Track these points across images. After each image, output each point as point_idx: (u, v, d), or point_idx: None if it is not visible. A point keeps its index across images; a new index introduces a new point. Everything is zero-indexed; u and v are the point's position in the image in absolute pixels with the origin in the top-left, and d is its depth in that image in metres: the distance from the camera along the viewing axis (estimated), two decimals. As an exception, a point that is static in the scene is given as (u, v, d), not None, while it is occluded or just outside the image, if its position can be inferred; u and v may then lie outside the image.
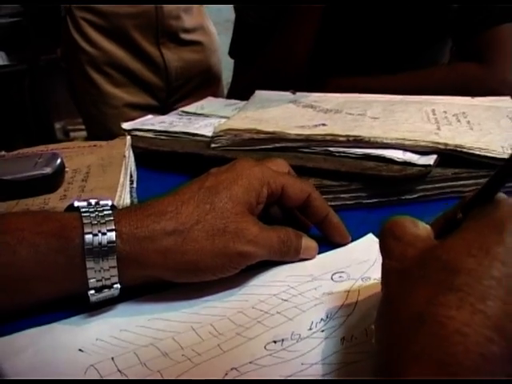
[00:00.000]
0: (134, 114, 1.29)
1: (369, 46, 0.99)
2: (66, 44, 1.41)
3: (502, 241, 0.26)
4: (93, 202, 0.39)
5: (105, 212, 0.37)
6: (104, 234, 0.36)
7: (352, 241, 0.48)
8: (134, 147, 0.68)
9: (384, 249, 0.32)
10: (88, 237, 0.35)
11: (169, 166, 0.67)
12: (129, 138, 0.69)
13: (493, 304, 0.24)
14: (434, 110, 0.71)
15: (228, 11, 1.39)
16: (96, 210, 0.37)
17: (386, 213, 0.47)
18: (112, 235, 0.36)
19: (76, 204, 0.38)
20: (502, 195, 0.30)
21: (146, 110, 1.33)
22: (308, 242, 0.45)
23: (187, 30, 1.44)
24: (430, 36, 0.99)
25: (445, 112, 0.71)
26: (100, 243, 0.35)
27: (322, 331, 0.36)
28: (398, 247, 0.31)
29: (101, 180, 0.57)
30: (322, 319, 0.37)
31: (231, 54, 1.12)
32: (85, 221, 0.36)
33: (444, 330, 0.24)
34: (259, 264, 0.43)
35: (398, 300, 0.28)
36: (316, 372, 0.32)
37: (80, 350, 0.35)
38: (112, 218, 0.36)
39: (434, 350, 0.23)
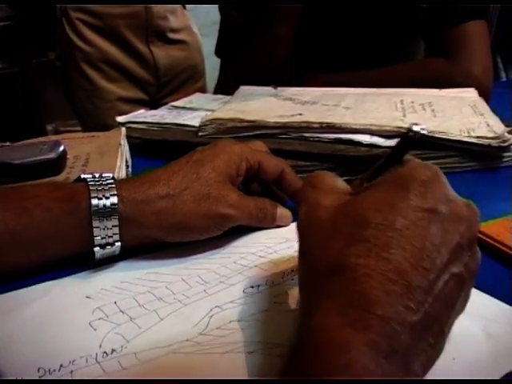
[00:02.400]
0: (126, 107, 1.39)
1: (345, 44, 1.05)
2: (61, 43, 1.49)
3: (406, 197, 0.29)
4: (96, 174, 0.45)
5: (108, 181, 0.44)
6: (107, 198, 0.42)
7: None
8: (128, 137, 0.75)
9: (301, 197, 0.34)
10: (94, 200, 0.42)
11: (160, 154, 0.74)
12: (124, 129, 0.75)
13: (395, 251, 0.27)
14: (402, 101, 0.78)
15: (215, 13, 1.47)
16: (100, 180, 0.44)
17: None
18: (114, 199, 0.42)
19: (83, 176, 0.45)
20: (409, 157, 0.33)
21: (137, 103, 1.43)
22: (283, 211, 0.51)
23: (174, 30, 1.53)
24: (402, 34, 1.06)
25: (412, 102, 0.78)
26: (104, 205, 0.42)
27: (292, 279, 0.43)
28: (314, 194, 0.33)
29: (99, 164, 0.64)
30: (292, 270, 0.44)
31: (217, 53, 1.19)
32: (91, 188, 0.43)
33: (353, 274, 0.27)
34: (240, 229, 0.49)
35: (313, 252, 0.31)
36: (285, 308, 0.39)
37: (87, 296, 0.42)
38: (114, 186, 0.43)
39: (345, 288, 0.27)
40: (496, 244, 0.45)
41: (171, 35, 1.53)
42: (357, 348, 0.24)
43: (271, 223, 0.51)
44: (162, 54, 1.51)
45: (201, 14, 2.24)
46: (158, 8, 1.47)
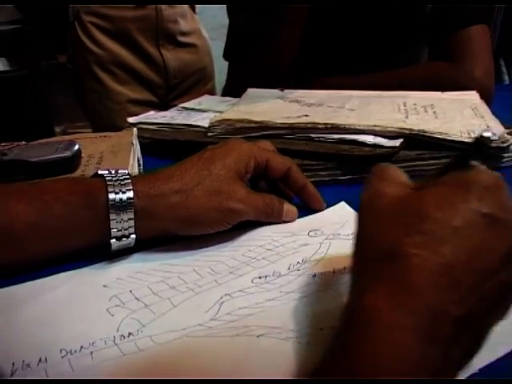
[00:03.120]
0: (136, 109, 1.42)
1: (351, 47, 1.08)
2: (73, 46, 1.53)
3: (467, 199, 0.30)
4: (113, 171, 0.48)
5: (123, 177, 0.46)
6: (124, 192, 0.45)
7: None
8: (139, 137, 0.77)
9: (366, 184, 0.35)
10: (111, 195, 0.45)
11: (170, 154, 0.76)
12: (135, 129, 0.78)
13: (449, 247, 0.29)
14: (405, 103, 0.80)
15: (223, 17, 1.50)
16: (116, 176, 0.46)
17: (358, 188, 0.55)
18: (130, 193, 0.45)
19: (99, 172, 0.48)
20: (475, 163, 0.34)
21: (147, 105, 1.46)
22: (289, 207, 0.54)
23: (184, 33, 1.56)
24: (406, 38, 1.08)
25: (414, 104, 0.80)
26: (121, 199, 0.44)
27: (298, 270, 0.45)
28: (379, 183, 0.34)
29: (113, 163, 0.66)
30: (298, 262, 0.46)
31: (225, 56, 1.21)
32: (108, 183, 0.45)
33: (407, 262, 0.28)
34: (248, 224, 0.52)
35: (371, 236, 0.32)
36: (291, 297, 0.42)
37: (104, 285, 0.44)
38: (129, 181, 0.46)
39: (397, 274, 0.28)
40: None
41: (181, 38, 1.56)
42: (401, 328, 0.26)
43: (278, 218, 0.53)
44: (172, 56, 1.55)
45: (208, 17, 2.27)
46: (168, 11, 1.50)
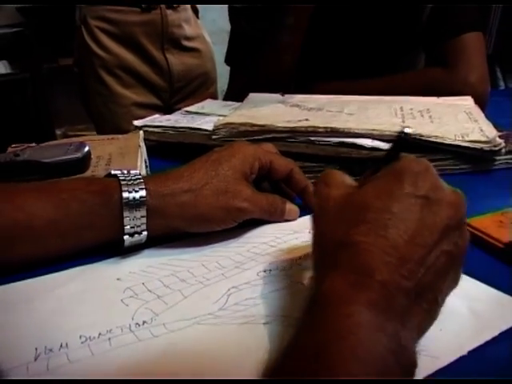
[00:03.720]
0: (141, 112, 1.45)
1: (350, 53, 1.11)
2: (80, 50, 1.56)
3: (401, 186, 0.34)
4: (125, 171, 0.51)
5: (136, 177, 0.49)
6: (137, 191, 0.48)
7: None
8: (145, 140, 0.80)
9: (315, 192, 0.41)
10: (125, 193, 0.47)
11: (176, 156, 0.79)
12: (141, 132, 0.81)
13: (391, 231, 0.32)
14: (402, 108, 0.83)
15: (223, 22, 1.54)
16: (129, 176, 0.49)
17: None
18: (143, 192, 0.48)
19: (113, 172, 0.50)
20: (404, 154, 0.39)
21: (151, 108, 1.50)
22: (291, 206, 0.57)
23: (188, 38, 1.60)
24: (404, 45, 1.11)
25: (411, 109, 0.83)
26: (134, 198, 0.47)
27: (300, 265, 0.48)
28: (325, 189, 0.39)
29: (121, 164, 0.69)
30: (300, 257, 0.49)
31: (227, 61, 1.25)
32: (122, 182, 0.48)
33: (356, 248, 0.32)
34: (253, 222, 0.55)
35: (324, 234, 0.37)
36: (294, 288, 0.44)
37: (118, 278, 0.47)
38: (142, 180, 0.49)
39: (349, 260, 0.32)
40: (483, 236, 0.50)
41: (185, 43, 1.59)
42: (359, 303, 0.29)
43: (281, 217, 0.56)
44: (176, 60, 1.58)
45: (208, 21, 2.30)
46: (173, 16, 1.54)
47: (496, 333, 0.37)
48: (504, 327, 0.38)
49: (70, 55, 2.03)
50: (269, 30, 1.06)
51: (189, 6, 1.63)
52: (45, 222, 0.47)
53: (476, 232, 0.51)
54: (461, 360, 0.35)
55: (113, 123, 1.51)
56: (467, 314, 0.40)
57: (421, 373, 0.32)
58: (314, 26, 1.04)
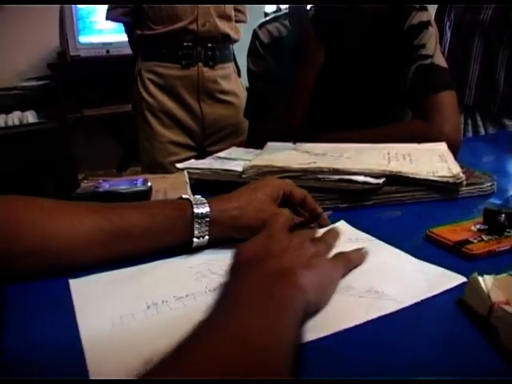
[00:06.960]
0: (175, 149, 1.81)
1: (349, 108, 1.34)
2: (134, 96, 1.90)
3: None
4: (191, 196, 0.73)
5: (201, 199, 0.72)
6: (203, 208, 0.70)
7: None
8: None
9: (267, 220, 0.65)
10: (196, 209, 0.70)
11: (212, 192, 1.01)
12: (186, 172, 1.04)
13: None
14: (389, 152, 1.06)
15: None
16: (195, 198, 0.72)
17: (353, 213, 0.82)
18: (207, 208, 0.70)
19: (184, 196, 0.73)
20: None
21: (185, 147, 1.85)
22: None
23: (223, 92, 1.90)
24: (392, 101, 1.35)
25: (396, 153, 1.06)
26: (201, 212, 0.70)
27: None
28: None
29: (176, 195, 0.91)
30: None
31: (245, 115, 1.49)
32: (192, 202, 0.70)
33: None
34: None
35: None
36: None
37: (189, 267, 0.69)
38: (205, 201, 0.71)
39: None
40: (440, 238, 0.72)
41: (220, 96, 1.90)
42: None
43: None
44: (209, 110, 1.88)
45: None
46: (209, 73, 1.86)
47: (440, 290, 0.60)
48: (448, 287, 0.60)
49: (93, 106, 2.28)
50: (283, 90, 1.31)
51: (230, 65, 1.93)
52: (140, 228, 0.69)
53: (436, 236, 0.73)
54: (415, 305, 0.57)
55: (152, 157, 1.83)
56: (423, 280, 0.62)
57: (387, 310, 0.55)
58: (319, 87, 1.28)
